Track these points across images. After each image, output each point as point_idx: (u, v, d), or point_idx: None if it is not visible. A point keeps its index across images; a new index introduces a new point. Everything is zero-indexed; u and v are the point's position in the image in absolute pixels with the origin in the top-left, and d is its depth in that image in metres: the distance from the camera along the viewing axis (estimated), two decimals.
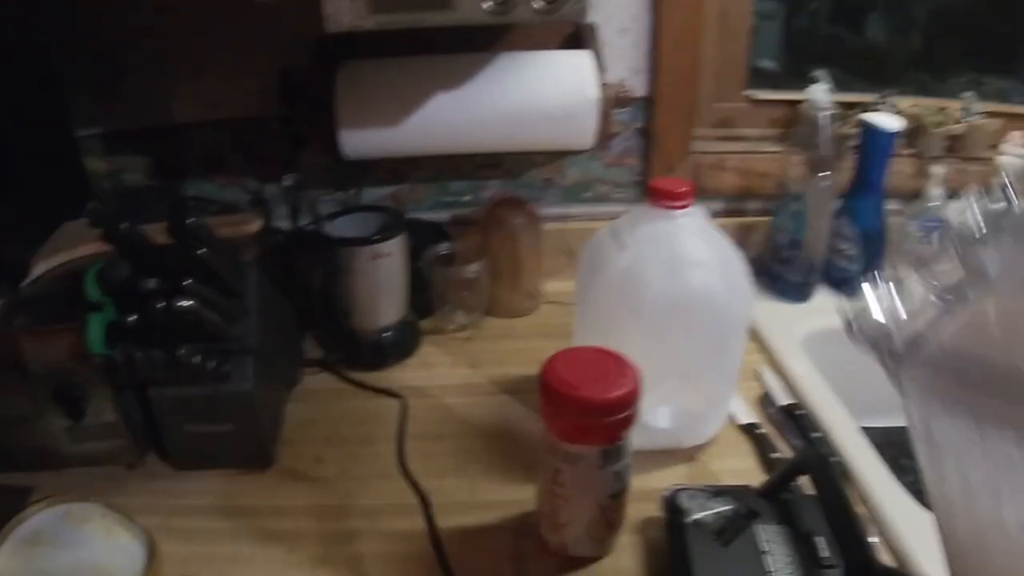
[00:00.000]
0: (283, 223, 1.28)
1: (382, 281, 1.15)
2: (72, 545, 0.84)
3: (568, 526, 0.83)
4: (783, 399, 1.11)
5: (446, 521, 0.88)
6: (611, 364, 0.79)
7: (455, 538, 0.87)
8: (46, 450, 0.96)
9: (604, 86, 1.17)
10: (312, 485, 0.98)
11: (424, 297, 1.26)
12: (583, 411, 0.75)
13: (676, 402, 0.98)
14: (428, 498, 0.89)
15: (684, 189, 0.91)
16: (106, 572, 0.81)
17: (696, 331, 0.92)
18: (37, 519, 0.86)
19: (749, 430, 1.05)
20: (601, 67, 1.17)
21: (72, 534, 0.84)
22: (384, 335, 1.19)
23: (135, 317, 0.86)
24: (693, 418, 1.00)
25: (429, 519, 0.87)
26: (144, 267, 0.88)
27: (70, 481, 0.96)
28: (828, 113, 1.23)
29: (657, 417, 0.98)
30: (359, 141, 1.16)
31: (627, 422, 0.77)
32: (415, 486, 0.91)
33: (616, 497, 0.82)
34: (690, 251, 0.91)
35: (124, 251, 0.89)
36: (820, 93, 1.24)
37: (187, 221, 0.87)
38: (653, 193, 0.92)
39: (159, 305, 0.83)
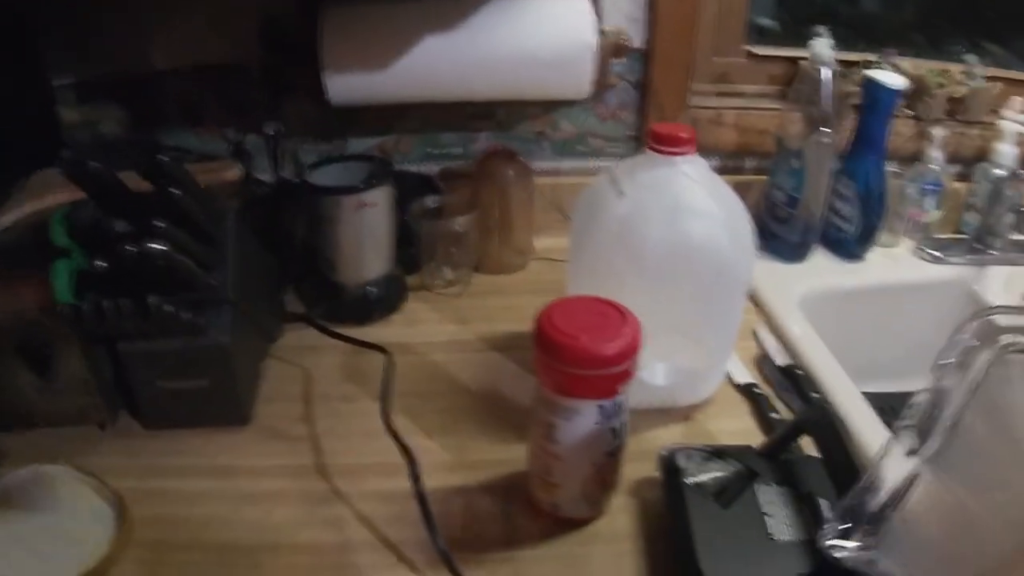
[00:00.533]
0: (265, 175, 1.25)
1: (367, 232, 1.11)
2: (41, 508, 0.82)
3: (561, 486, 0.80)
4: (781, 360, 1.08)
5: (433, 481, 0.84)
6: (610, 314, 0.75)
7: (442, 499, 0.84)
8: (13, 409, 0.92)
9: (602, 33, 1.13)
10: (292, 444, 0.94)
11: (411, 252, 1.22)
12: (581, 362, 0.72)
13: (673, 359, 0.95)
14: (414, 457, 0.85)
15: (687, 135, 0.87)
16: (76, 536, 0.79)
17: (696, 284, 0.89)
18: (4, 481, 0.84)
19: (747, 390, 1.02)
20: (598, 13, 1.13)
21: (41, 497, 0.83)
22: (369, 289, 1.15)
23: (103, 263, 0.82)
24: (691, 376, 0.97)
25: (415, 478, 0.83)
26: (114, 210, 0.84)
27: (39, 441, 0.93)
28: (830, 68, 1.20)
29: (653, 374, 0.95)
30: (345, 86, 1.11)
31: (626, 375, 0.74)
32: (401, 444, 0.87)
33: (612, 455, 0.79)
34: (692, 200, 0.88)
35: (93, 193, 0.84)
36: (823, 47, 1.20)
37: (160, 159, 0.82)
38: (654, 138, 0.88)
39: (128, 248, 0.78)
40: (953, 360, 0.56)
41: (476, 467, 0.90)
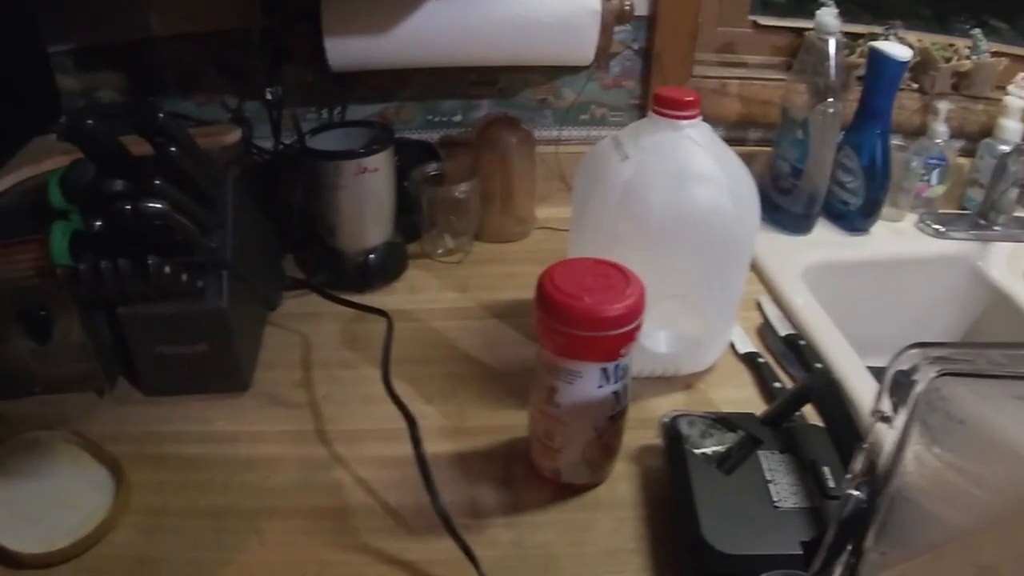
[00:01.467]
0: (264, 142, 1.24)
1: (368, 198, 1.09)
2: (38, 474, 0.82)
3: (562, 451, 0.79)
4: (784, 330, 1.07)
5: (432, 447, 0.83)
6: (613, 275, 0.74)
7: (442, 463, 0.84)
8: (11, 375, 0.92)
9: None
10: (291, 410, 0.94)
11: (411, 220, 1.21)
12: (584, 323, 0.71)
13: (676, 327, 0.94)
14: (416, 420, 0.85)
15: (691, 99, 0.86)
16: (73, 501, 0.79)
17: (699, 250, 0.88)
18: (1, 449, 0.84)
19: (749, 359, 1.02)
20: None
21: (38, 463, 0.83)
22: (369, 256, 1.14)
23: (101, 223, 0.80)
24: (693, 344, 0.96)
25: (417, 442, 0.82)
26: (112, 170, 0.82)
27: (37, 408, 0.93)
28: (836, 38, 1.18)
29: (656, 342, 0.94)
30: (345, 51, 1.10)
31: (630, 337, 0.73)
32: (402, 407, 0.86)
33: (614, 419, 0.78)
34: (697, 165, 0.87)
35: (91, 153, 0.83)
36: (828, 17, 1.19)
37: (159, 116, 0.81)
38: (659, 101, 0.87)
39: (126, 207, 0.77)
40: (891, 400, 0.56)
41: (476, 433, 0.90)
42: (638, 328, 0.73)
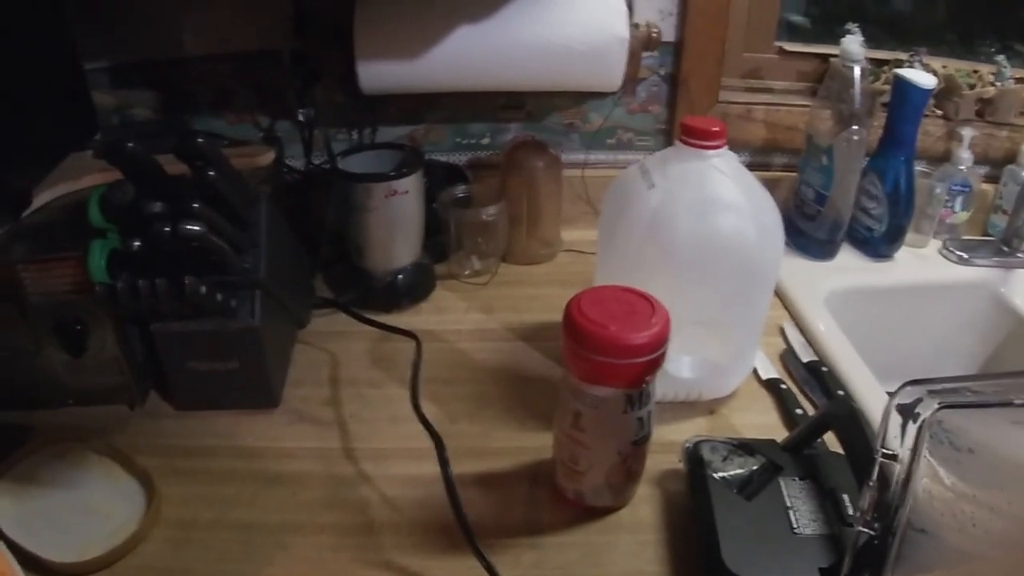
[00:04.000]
0: (295, 162, 1.26)
1: (397, 220, 1.11)
2: (69, 485, 0.83)
3: (586, 474, 0.80)
4: (806, 356, 1.08)
5: (457, 467, 0.84)
6: (640, 303, 0.76)
7: (467, 484, 0.84)
8: (45, 387, 0.94)
9: (633, 26, 1.13)
10: (319, 427, 0.95)
11: (439, 241, 1.23)
12: (610, 351, 0.72)
13: (699, 352, 0.95)
14: (443, 440, 0.86)
15: (718, 128, 0.87)
16: (104, 512, 0.80)
17: (724, 277, 0.88)
18: (35, 458, 0.86)
19: (772, 385, 1.02)
20: (630, 6, 1.13)
21: (69, 473, 0.85)
22: (398, 277, 1.15)
23: (139, 243, 0.82)
24: (716, 369, 0.97)
25: (444, 462, 0.83)
26: (150, 191, 0.84)
27: (70, 420, 0.94)
28: (861, 66, 1.19)
29: (679, 367, 0.95)
30: (377, 75, 1.12)
31: (654, 364, 0.74)
32: (429, 428, 0.88)
33: (638, 444, 0.79)
34: (723, 193, 0.88)
35: (130, 173, 0.85)
36: (853, 45, 1.20)
37: (198, 140, 0.83)
38: (686, 131, 0.88)
39: (165, 228, 0.79)
40: (895, 438, 0.57)
41: (501, 454, 0.91)
42: (663, 356, 0.74)
